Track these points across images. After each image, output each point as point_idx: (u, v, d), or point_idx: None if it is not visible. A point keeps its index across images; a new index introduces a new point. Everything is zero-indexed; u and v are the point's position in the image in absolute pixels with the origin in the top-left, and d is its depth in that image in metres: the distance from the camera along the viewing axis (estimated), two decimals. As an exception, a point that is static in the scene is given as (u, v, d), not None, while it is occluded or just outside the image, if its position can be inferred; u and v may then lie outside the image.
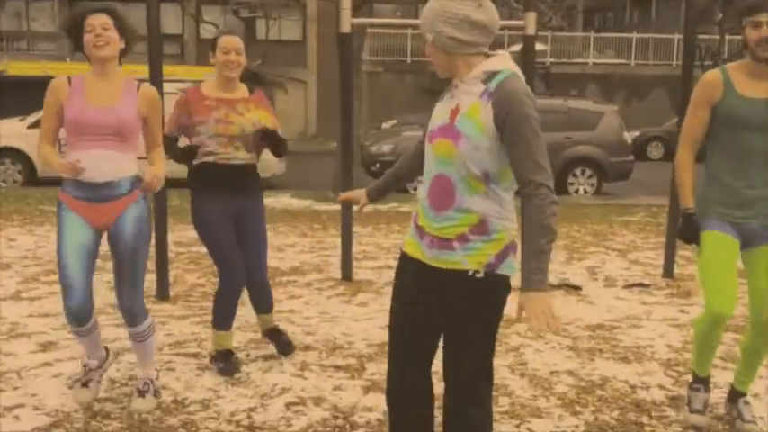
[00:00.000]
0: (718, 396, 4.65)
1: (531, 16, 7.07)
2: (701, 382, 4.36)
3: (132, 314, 4.27)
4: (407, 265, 3.19)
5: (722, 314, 4.02)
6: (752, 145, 4.01)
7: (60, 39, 33.57)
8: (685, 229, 4.15)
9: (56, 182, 4.62)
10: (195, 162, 4.85)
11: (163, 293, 6.77)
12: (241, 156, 4.84)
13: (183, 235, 9.57)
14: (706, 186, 4.20)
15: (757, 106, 3.98)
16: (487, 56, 3.00)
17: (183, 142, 4.94)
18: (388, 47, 34.08)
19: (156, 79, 6.56)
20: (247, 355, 5.28)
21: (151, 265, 7.36)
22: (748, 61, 4.03)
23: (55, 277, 7.27)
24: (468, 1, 2.92)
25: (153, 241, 6.91)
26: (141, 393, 4.38)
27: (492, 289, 3.04)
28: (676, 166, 4.25)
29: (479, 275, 3.00)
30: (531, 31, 7.08)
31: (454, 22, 2.90)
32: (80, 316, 4.16)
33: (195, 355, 5.27)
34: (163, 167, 4.26)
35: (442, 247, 3.02)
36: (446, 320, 3.13)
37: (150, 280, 7.04)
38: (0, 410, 4.33)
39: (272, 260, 8.05)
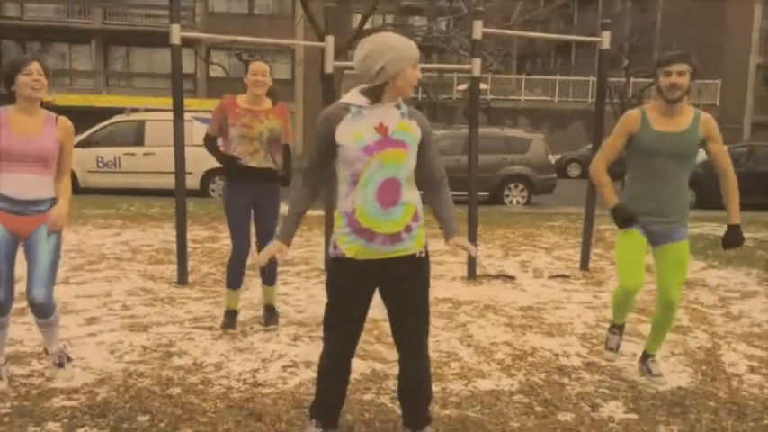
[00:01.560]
0: (624, 363, 4.78)
1: (477, 62, 7.16)
2: (617, 328, 4.71)
3: (44, 309, 4.02)
4: (354, 268, 3.09)
5: (630, 289, 4.36)
6: (660, 168, 4.21)
7: (96, 76, 33.35)
8: (620, 218, 4.29)
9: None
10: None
11: (183, 280, 6.74)
12: (258, 160, 5.14)
13: (198, 234, 9.55)
14: (624, 198, 4.40)
15: (666, 138, 4.18)
16: None
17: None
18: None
19: (178, 109, 6.61)
20: (251, 328, 5.30)
21: (172, 257, 7.39)
22: (660, 103, 4.21)
23: (96, 266, 7.32)
24: None
25: (174, 237, 6.97)
26: (59, 365, 4.21)
27: (428, 261, 3.23)
28: (594, 173, 4.40)
29: (423, 254, 3.18)
30: (476, 73, 7.18)
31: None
32: (4, 307, 4.01)
33: (210, 328, 5.28)
34: (66, 205, 4.07)
35: (394, 241, 3.05)
36: (399, 295, 3.17)
37: (172, 269, 7.09)
38: (56, 370, 4.32)
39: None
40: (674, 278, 4.32)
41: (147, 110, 18.03)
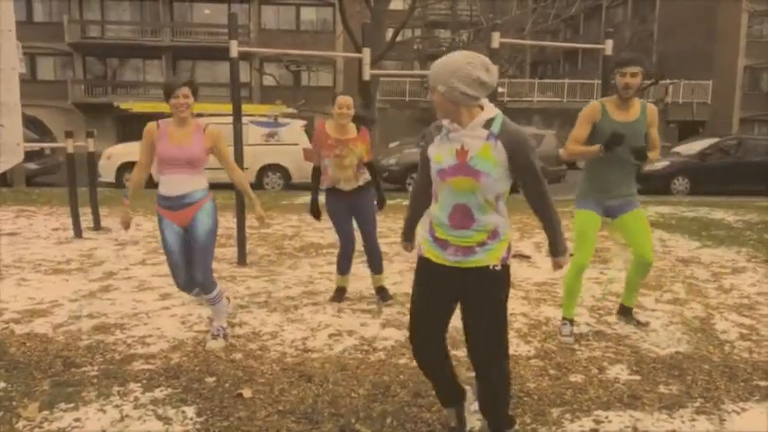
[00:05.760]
0: (628, 331, 4.71)
1: (495, 68, 7.08)
2: (568, 320, 4.62)
3: (204, 285, 4.17)
4: (430, 267, 2.81)
5: (584, 264, 4.45)
6: (618, 151, 4.28)
7: (166, 85, 33.70)
8: (611, 142, 4.15)
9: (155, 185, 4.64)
10: (327, 187, 5.20)
11: (242, 260, 6.79)
12: (351, 184, 5.13)
13: (254, 221, 9.54)
14: (584, 181, 4.51)
15: (621, 126, 4.28)
16: (481, 106, 2.66)
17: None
18: (393, 90, 34.04)
19: (237, 113, 6.64)
20: (301, 302, 5.33)
21: (233, 241, 7.44)
22: (616, 97, 4.35)
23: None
24: (479, 64, 2.55)
25: (234, 224, 7.01)
26: (215, 337, 4.30)
27: (506, 276, 2.77)
28: (571, 152, 4.40)
29: (498, 268, 2.73)
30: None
31: (467, 81, 2.53)
32: (186, 287, 4.24)
33: (266, 303, 5.31)
34: (255, 201, 4.32)
35: (466, 253, 2.71)
36: (470, 305, 2.78)
37: (233, 252, 7.13)
38: (136, 339, 4.41)
39: (315, 238, 8.13)
40: (645, 239, 4.47)
41: (210, 114, 18.19)
